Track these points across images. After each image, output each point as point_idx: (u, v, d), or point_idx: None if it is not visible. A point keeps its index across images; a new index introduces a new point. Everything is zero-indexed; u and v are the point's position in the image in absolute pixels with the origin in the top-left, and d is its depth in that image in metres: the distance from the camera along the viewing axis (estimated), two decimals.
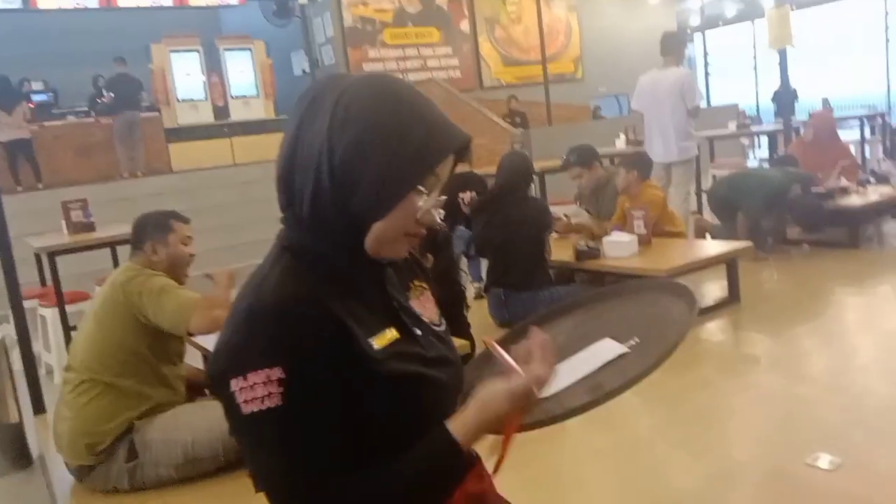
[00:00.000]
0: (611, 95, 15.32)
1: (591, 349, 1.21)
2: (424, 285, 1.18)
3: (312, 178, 0.95)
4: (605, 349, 1.20)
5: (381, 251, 0.99)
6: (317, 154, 0.94)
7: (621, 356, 1.15)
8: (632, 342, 1.18)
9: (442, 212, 1.03)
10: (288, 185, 0.98)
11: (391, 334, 1.00)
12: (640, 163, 4.69)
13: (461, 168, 1.29)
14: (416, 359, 1.01)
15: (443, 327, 1.15)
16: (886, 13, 19.81)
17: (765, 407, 2.99)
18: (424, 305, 1.14)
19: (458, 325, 3.01)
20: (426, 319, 1.11)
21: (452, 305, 3.04)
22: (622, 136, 8.58)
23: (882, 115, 10.91)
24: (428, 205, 0.98)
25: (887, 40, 19.86)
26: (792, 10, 6.90)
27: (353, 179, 0.93)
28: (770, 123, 9.88)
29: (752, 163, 10.50)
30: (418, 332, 1.05)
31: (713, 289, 4.42)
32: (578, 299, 1.40)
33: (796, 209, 5.35)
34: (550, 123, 11.88)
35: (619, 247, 4.16)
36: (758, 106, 18.82)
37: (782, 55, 7.20)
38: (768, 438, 2.68)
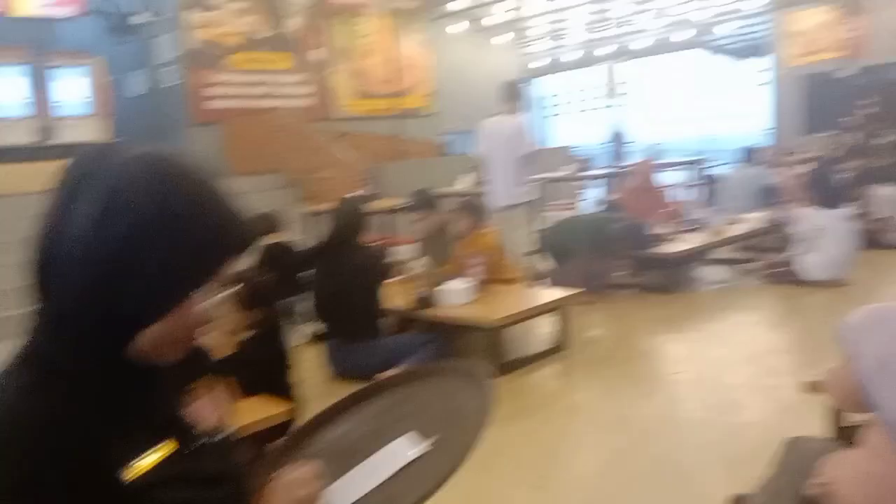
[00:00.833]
0: (462, 131, 15.76)
1: (387, 449, 1.17)
2: (212, 382, 1.09)
3: (74, 272, 0.81)
4: (402, 450, 1.16)
5: (151, 357, 0.87)
6: (80, 245, 0.81)
7: (419, 457, 1.12)
8: (430, 441, 1.15)
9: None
10: (42, 276, 0.84)
11: (158, 454, 0.89)
12: (475, 208, 4.81)
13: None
14: (187, 480, 0.91)
15: (227, 432, 1.05)
16: (709, 67, 21.94)
17: (586, 457, 3.11)
18: (208, 408, 1.05)
19: (280, 387, 2.89)
20: (207, 427, 1.01)
21: (273, 367, 2.92)
22: (469, 175, 8.75)
23: (702, 162, 11.97)
24: (208, 305, 0.89)
25: (708, 91, 21.98)
26: (624, 61, 7.41)
27: (121, 278, 0.81)
28: (602, 168, 10.50)
29: (586, 205, 11.11)
30: (193, 445, 0.95)
31: (544, 335, 4.56)
32: (380, 384, 1.36)
33: (622, 252, 5.73)
34: (400, 159, 12.00)
35: (454, 294, 4.21)
36: (597, 148, 20.13)
37: (614, 104, 7.73)
38: (593, 487, 2.78)
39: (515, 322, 4.09)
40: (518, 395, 3.83)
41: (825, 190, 5.47)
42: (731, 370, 4.03)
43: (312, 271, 4.32)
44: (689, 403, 3.58)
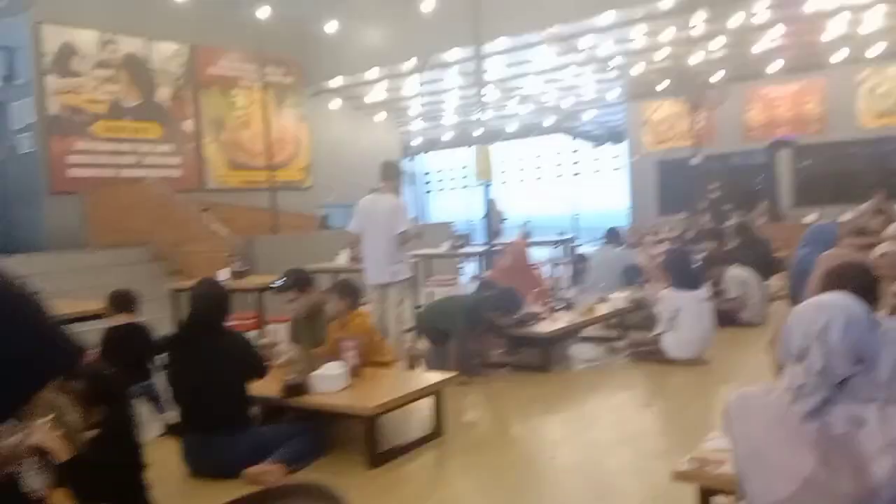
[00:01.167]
0: (340, 205, 15.71)
1: None
2: None
3: None
4: None
5: None
6: None
7: None
8: None
9: None
10: None
11: None
12: (350, 289, 4.71)
13: None
14: None
15: None
16: (574, 150, 23.30)
17: None
18: None
19: (131, 492, 2.61)
20: None
21: (123, 469, 2.64)
22: (345, 252, 8.60)
23: (569, 241, 12.52)
24: (17, 440, 0.75)
25: (575, 174, 23.27)
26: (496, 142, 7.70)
27: None
28: (478, 244, 10.73)
29: (465, 279, 11.26)
30: None
31: (420, 420, 4.44)
32: None
33: (493, 330, 5.80)
34: (275, 232, 11.73)
35: (328, 380, 4.04)
36: (475, 224, 20.66)
37: (485, 186, 7.95)
38: None
39: (391, 409, 3.96)
40: (392, 488, 3.67)
41: (682, 272, 5.81)
42: (606, 453, 4.07)
43: (166, 356, 4.02)
44: (567, 490, 3.56)
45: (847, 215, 9.81)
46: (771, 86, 15.14)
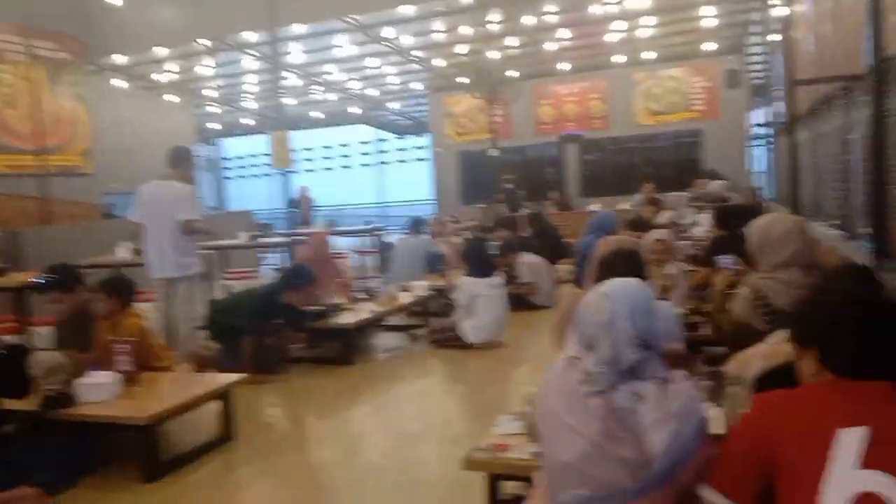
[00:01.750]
0: (128, 193, 14.40)
1: None
2: None
3: None
4: None
5: None
6: None
7: None
8: None
9: None
10: None
11: None
12: (120, 286, 4.25)
13: None
14: None
15: None
16: (379, 139, 23.36)
17: None
18: None
19: None
20: None
21: None
22: (126, 244, 7.81)
23: (375, 231, 12.49)
24: None
25: (382, 163, 23.34)
26: (300, 129, 7.41)
27: None
28: (280, 235, 10.34)
29: (267, 271, 10.80)
30: None
31: (208, 426, 4.11)
32: None
33: (290, 322, 5.58)
34: (48, 222, 10.48)
35: (97, 389, 3.60)
36: (278, 213, 20.04)
37: (286, 174, 7.65)
38: None
39: (170, 416, 3.62)
40: (174, 501, 3.35)
41: (478, 260, 5.96)
42: (410, 444, 4.03)
43: None
44: (370, 486, 3.46)
45: (624, 205, 10.73)
46: (560, 84, 16.16)
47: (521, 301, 7.09)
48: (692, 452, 1.78)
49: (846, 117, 5.28)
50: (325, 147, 24.51)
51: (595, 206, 12.70)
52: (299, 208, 17.01)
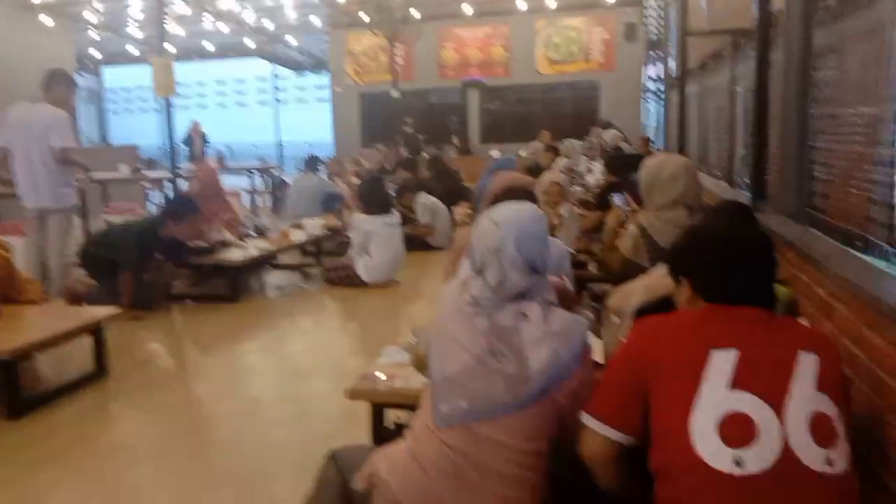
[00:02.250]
0: None
1: None
2: None
3: None
4: None
5: None
6: None
7: None
8: None
9: None
10: None
11: None
12: None
13: None
14: None
15: None
16: (276, 76, 22.43)
17: (145, 498, 2.66)
18: None
19: None
20: None
21: None
22: None
23: (270, 169, 12.07)
24: None
25: (277, 100, 22.46)
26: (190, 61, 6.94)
27: None
28: (166, 169, 9.80)
29: (151, 207, 10.25)
30: None
31: (79, 363, 3.86)
32: None
33: (178, 260, 5.33)
34: None
35: None
36: (165, 148, 19.01)
37: (169, 103, 7.20)
38: None
39: (34, 350, 3.37)
40: (41, 437, 3.14)
41: (374, 198, 5.84)
42: (297, 379, 3.95)
43: None
44: (254, 417, 3.37)
45: (523, 151, 10.83)
46: (464, 28, 15.97)
47: (418, 242, 7.06)
48: (570, 373, 1.80)
49: (733, 71, 5.47)
50: (219, 82, 23.38)
51: (494, 151, 12.78)
52: (191, 145, 16.21)
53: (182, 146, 15.59)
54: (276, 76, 22.35)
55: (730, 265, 1.73)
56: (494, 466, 1.79)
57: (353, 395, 2.40)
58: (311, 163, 8.27)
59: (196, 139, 16.16)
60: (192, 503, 2.63)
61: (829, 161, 2.99)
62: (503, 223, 1.87)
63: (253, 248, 5.90)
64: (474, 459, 1.79)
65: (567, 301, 2.43)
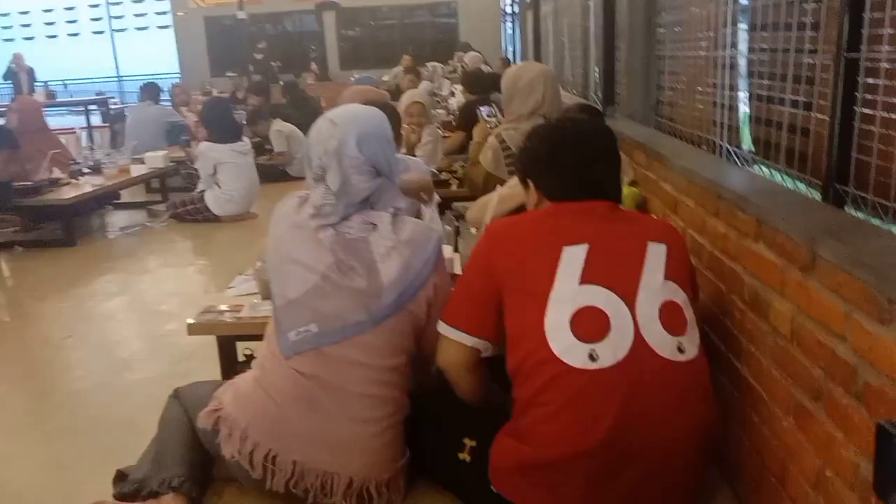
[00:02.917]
0: None
1: None
2: None
3: None
4: None
5: None
6: None
7: None
8: None
9: None
10: None
11: None
12: None
13: None
14: None
15: None
16: (109, 2, 20.44)
17: None
18: None
19: None
20: None
21: None
22: None
23: (106, 102, 11.07)
24: None
25: (112, 29, 20.53)
26: None
27: None
28: None
29: None
30: None
31: None
32: None
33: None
34: None
35: None
36: None
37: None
38: None
39: None
40: None
41: (220, 124, 5.41)
42: (131, 323, 3.67)
43: None
44: (99, 365, 3.09)
45: (385, 77, 10.54)
46: None
47: (274, 171, 6.70)
48: (424, 283, 1.71)
49: None
50: (46, 11, 21.03)
51: (353, 77, 12.37)
52: (14, 81, 14.54)
53: (2, 82, 13.98)
54: (109, 3, 20.31)
55: (570, 159, 1.68)
56: (350, 388, 1.67)
57: (195, 329, 2.20)
58: (150, 91, 7.58)
59: (21, 74, 14.49)
60: (30, 456, 2.38)
61: (674, 69, 3.04)
62: (342, 123, 1.70)
63: (87, 185, 5.38)
64: (328, 383, 1.66)
65: (428, 193, 2.34)
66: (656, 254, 1.58)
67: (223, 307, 2.27)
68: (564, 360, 1.45)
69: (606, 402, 1.43)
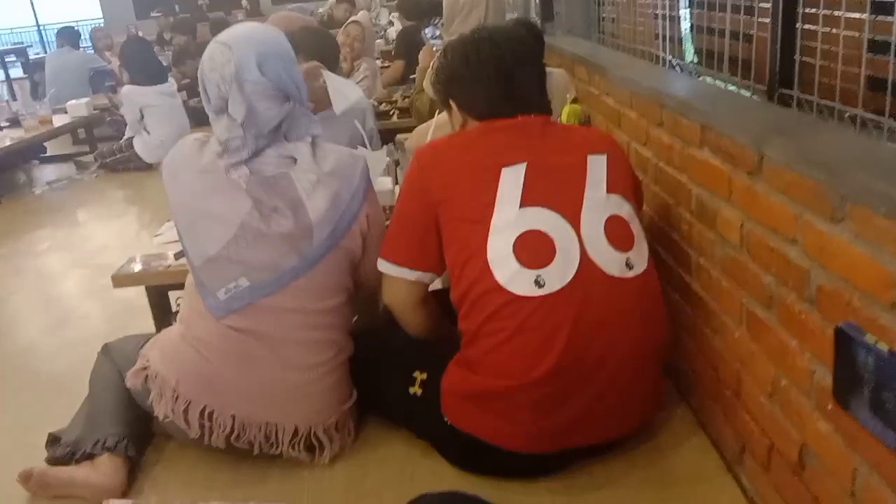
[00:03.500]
0: None
1: None
2: None
3: None
4: None
5: None
6: None
7: None
8: None
9: None
10: None
11: None
12: None
13: None
14: None
15: None
16: None
17: None
18: None
19: None
20: None
21: None
22: None
23: (26, 52, 10.43)
24: None
25: None
26: None
27: None
28: None
29: None
30: None
31: None
32: None
33: None
34: None
35: None
36: None
37: None
38: None
39: None
40: None
41: (142, 65, 5.05)
42: (63, 279, 3.48)
43: None
44: (27, 326, 2.92)
45: (321, 9, 10.08)
46: None
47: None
48: (355, 215, 1.60)
49: None
50: None
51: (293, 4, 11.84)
52: None
53: None
54: None
55: (488, 69, 1.54)
56: (288, 336, 1.58)
57: (119, 281, 2.06)
58: (68, 36, 7.10)
59: None
60: None
61: None
62: (236, 44, 1.52)
63: (6, 140, 5.05)
64: (264, 334, 1.56)
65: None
66: (597, 166, 1.49)
67: (151, 254, 2.13)
68: (510, 290, 1.38)
69: (555, 329, 1.37)
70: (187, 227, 1.58)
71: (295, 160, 1.56)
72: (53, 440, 1.78)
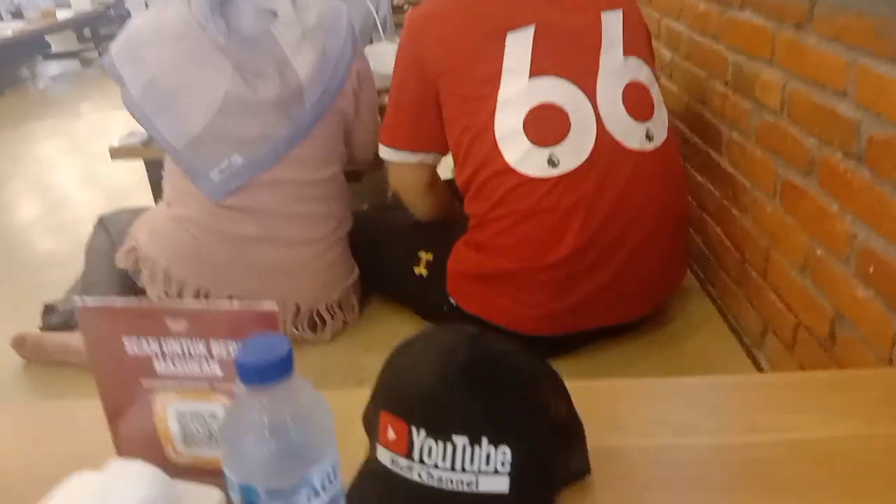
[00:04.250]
0: None
1: None
2: None
3: None
4: None
5: None
6: None
7: None
8: None
9: None
10: None
11: None
12: None
13: None
14: None
15: None
16: None
17: None
18: None
19: None
20: None
21: None
22: None
23: None
24: None
25: None
26: None
27: None
28: None
29: None
30: None
31: None
32: None
33: None
34: None
35: None
36: None
37: None
38: None
39: None
40: None
41: None
42: (64, 165, 3.44)
43: None
44: (30, 208, 2.88)
45: None
46: None
47: None
48: (345, 71, 1.47)
49: None
50: None
51: None
52: None
53: None
54: None
55: None
56: (285, 210, 1.47)
57: (118, 153, 1.96)
58: None
59: None
60: None
61: None
62: None
63: (8, 31, 4.89)
64: (260, 210, 1.45)
65: None
66: (613, 24, 1.33)
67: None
68: (521, 171, 1.25)
69: (570, 210, 1.25)
70: (162, 108, 1.44)
71: (275, 13, 1.42)
72: (49, 309, 1.73)
